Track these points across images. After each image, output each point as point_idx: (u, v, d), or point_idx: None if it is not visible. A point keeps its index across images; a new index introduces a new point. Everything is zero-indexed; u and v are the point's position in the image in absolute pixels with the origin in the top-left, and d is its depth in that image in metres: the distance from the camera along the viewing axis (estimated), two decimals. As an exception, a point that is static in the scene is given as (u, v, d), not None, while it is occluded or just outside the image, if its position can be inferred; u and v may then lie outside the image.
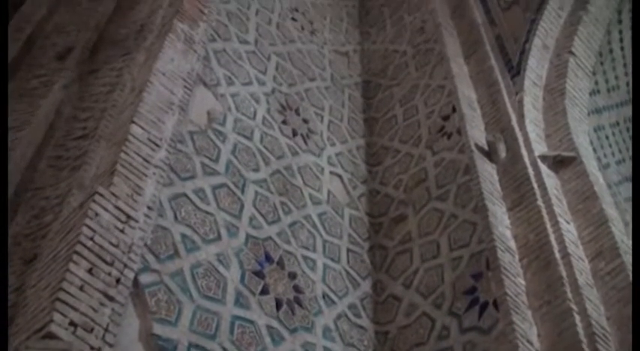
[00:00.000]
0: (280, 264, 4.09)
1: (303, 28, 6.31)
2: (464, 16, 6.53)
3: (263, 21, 5.79)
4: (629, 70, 5.97)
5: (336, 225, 4.74)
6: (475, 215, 4.49)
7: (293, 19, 6.28)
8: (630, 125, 5.79)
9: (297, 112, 5.25)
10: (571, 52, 5.63)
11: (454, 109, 5.33)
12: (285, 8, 6.28)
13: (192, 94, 4.34)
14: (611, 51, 5.89)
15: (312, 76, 5.83)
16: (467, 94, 5.52)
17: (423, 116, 5.55)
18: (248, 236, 4.00)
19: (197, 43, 4.72)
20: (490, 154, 4.94)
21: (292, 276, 4.11)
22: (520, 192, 4.64)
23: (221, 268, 3.68)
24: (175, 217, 3.62)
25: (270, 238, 4.14)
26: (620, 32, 5.98)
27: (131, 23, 4.87)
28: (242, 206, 4.10)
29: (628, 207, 5.10)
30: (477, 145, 4.92)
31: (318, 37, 6.43)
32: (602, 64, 5.80)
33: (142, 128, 3.69)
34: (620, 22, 5.97)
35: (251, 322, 3.63)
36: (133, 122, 3.67)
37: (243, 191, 4.19)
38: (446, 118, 5.34)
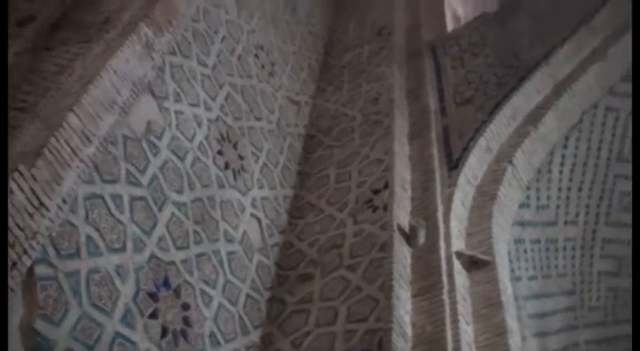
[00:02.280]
0: (177, 292, 3.97)
1: (263, 67, 6.28)
2: (418, 99, 6.62)
3: (226, 49, 5.74)
4: (562, 194, 6.11)
5: (243, 267, 4.65)
6: (380, 293, 4.45)
7: (256, 55, 6.26)
8: (550, 245, 5.90)
9: (235, 147, 5.18)
10: (511, 162, 5.71)
11: (386, 185, 5.33)
12: (252, 43, 6.26)
13: (137, 99, 4.24)
14: (549, 171, 6.02)
15: (259, 116, 5.78)
16: (402, 174, 5.54)
17: (355, 184, 5.54)
18: (152, 256, 3.88)
19: (157, 51, 4.63)
20: (409, 237, 4.94)
21: (185, 307, 3.99)
22: (429, 281, 4.63)
23: (117, 281, 3.55)
24: (86, 217, 3.49)
25: (173, 263, 4.02)
26: (563, 156, 6.13)
27: (98, 12, 4.76)
28: (155, 224, 3.98)
29: (531, 323, 5.15)
30: (399, 226, 4.92)
31: (275, 79, 6.42)
32: (537, 181, 5.92)
33: (80, 119, 3.57)
34: (565, 147, 6.13)
35: (132, 343, 3.50)
36: (72, 111, 3.55)
37: (160, 209, 4.08)
38: (376, 191, 5.34)
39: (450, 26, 8.64)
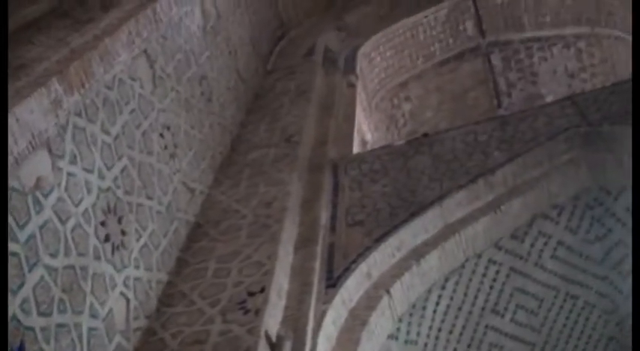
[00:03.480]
0: (28, 359, 3.76)
1: (165, 148, 6.23)
2: (311, 211, 6.68)
3: (133, 122, 5.69)
4: (433, 333, 6.17)
5: (101, 347, 4.44)
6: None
7: (161, 135, 6.21)
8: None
9: (119, 221, 5.05)
10: (388, 292, 5.77)
11: (262, 290, 5.28)
12: (160, 122, 6.22)
13: (33, 152, 4.13)
14: (424, 308, 6.10)
15: (150, 195, 5.69)
16: (281, 281, 5.51)
17: (232, 282, 5.46)
18: (14, 317, 3.67)
19: (63, 109, 4.56)
20: (275, 347, 4.86)
21: (32, 376, 3.77)
22: (286, 395, 4.55)
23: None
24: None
25: (32, 328, 3.80)
26: (440, 297, 6.24)
27: (15, 57, 4.67)
28: (22, 284, 3.79)
29: None
30: (266, 333, 4.85)
31: (175, 162, 6.36)
32: (411, 315, 5.98)
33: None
34: (443, 287, 6.25)
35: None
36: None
37: (30, 270, 3.89)
38: (251, 294, 5.27)
39: (355, 149, 8.83)
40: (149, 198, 5.64)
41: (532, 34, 13.76)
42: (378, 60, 13.06)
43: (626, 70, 12.30)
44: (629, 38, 11.95)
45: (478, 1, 13.77)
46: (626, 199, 6.79)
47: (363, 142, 9.97)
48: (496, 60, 14.12)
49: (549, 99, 13.47)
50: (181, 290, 5.50)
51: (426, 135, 8.15)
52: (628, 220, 6.85)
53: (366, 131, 10.65)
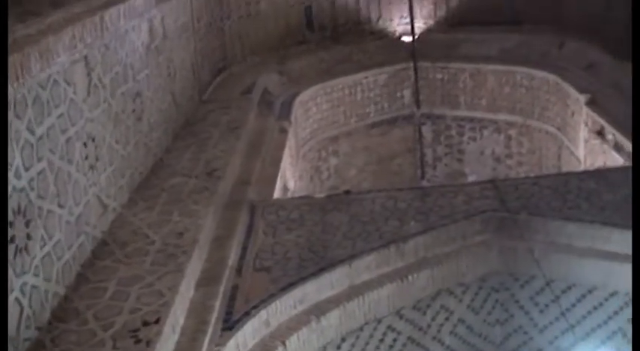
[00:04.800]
0: None
1: (86, 158, 6.09)
2: (220, 249, 6.67)
3: (59, 127, 5.55)
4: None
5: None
6: None
7: (84, 144, 6.07)
8: None
9: (27, 224, 4.83)
10: (284, 343, 5.72)
11: (157, 321, 5.14)
12: (86, 131, 6.10)
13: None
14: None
15: (63, 204, 5.50)
16: (177, 315, 5.39)
17: (129, 308, 5.30)
18: None
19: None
20: (160, 382, 4.74)
21: None
22: None
23: None
24: None
25: None
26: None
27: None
28: None
29: None
30: (154, 367, 4.73)
31: (93, 174, 6.21)
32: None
33: None
34: (338, 347, 6.23)
35: None
36: None
37: None
38: (146, 324, 5.12)
39: (276, 194, 8.80)
40: (61, 206, 5.47)
41: (466, 114, 14.10)
42: (313, 110, 13.16)
43: (552, 165, 12.68)
44: (560, 134, 12.35)
45: (419, 72, 14.06)
46: (532, 287, 6.92)
47: (285, 189, 9.95)
48: (427, 132, 14.40)
49: (472, 179, 13.77)
50: (76, 307, 5.32)
51: (347, 192, 8.19)
52: (531, 308, 6.97)
53: (290, 178, 10.65)
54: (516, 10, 14.26)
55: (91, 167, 6.18)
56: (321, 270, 6.42)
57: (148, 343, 4.88)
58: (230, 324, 5.62)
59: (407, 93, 14.35)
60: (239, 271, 6.46)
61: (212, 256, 6.51)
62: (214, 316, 5.60)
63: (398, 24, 15.07)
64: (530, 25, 14.05)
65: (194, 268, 6.07)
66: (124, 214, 6.85)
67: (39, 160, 5.13)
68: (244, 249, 6.87)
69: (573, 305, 6.77)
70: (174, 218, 6.81)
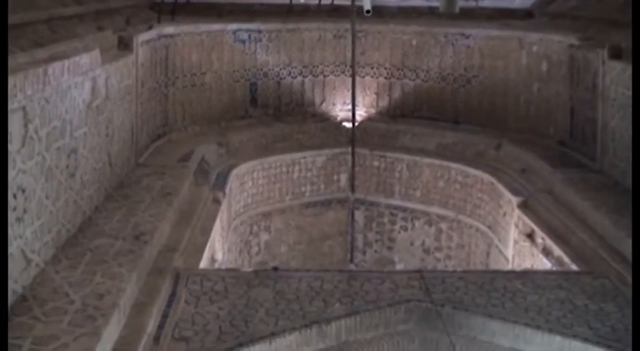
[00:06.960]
0: None
1: (14, 209, 5.95)
2: (139, 316, 6.59)
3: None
4: None
5: None
6: None
7: (14, 196, 5.94)
8: None
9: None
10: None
11: None
12: (16, 182, 5.99)
13: None
14: None
15: None
16: None
17: None
18: None
19: None
20: None
21: None
22: None
23: None
24: None
25: None
26: None
27: None
28: None
29: None
30: None
31: (19, 228, 6.06)
32: None
33: None
34: None
35: None
36: None
37: None
38: None
39: (203, 264, 8.71)
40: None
41: (400, 203, 14.26)
42: (249, 184, 13.17)
43: (480, 262, 12.84)
44: (490, 233, 12.54)
45: (357, 158, 14.22)
46: (451, 381, 6.93)
47: (213, 260, 9.86)
48: (360, 217, 14.49)
49: (399, 267, 13.85)
50: (34, 316, 5.13)
51: (275, 269, 8.15)
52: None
53: (219, 250, 10.56)
54: (457, 110, 14.62)
55: (18, 219, 6.05)
56: (240, 345, 6.34)
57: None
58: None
59: (343, 177, 14.48)
60: (157, 339, 6.33)
61: (131, 322, 6.36)
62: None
63: (340, 109, 15.30)
64: (469, 125, 14.40)
65: (111, 333, 5.92)
66: (47, 270, 6.68)
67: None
68: (164, 317, 6.75)
69: (492, 402, 6.80)
70: (96, 279, 6.66)
